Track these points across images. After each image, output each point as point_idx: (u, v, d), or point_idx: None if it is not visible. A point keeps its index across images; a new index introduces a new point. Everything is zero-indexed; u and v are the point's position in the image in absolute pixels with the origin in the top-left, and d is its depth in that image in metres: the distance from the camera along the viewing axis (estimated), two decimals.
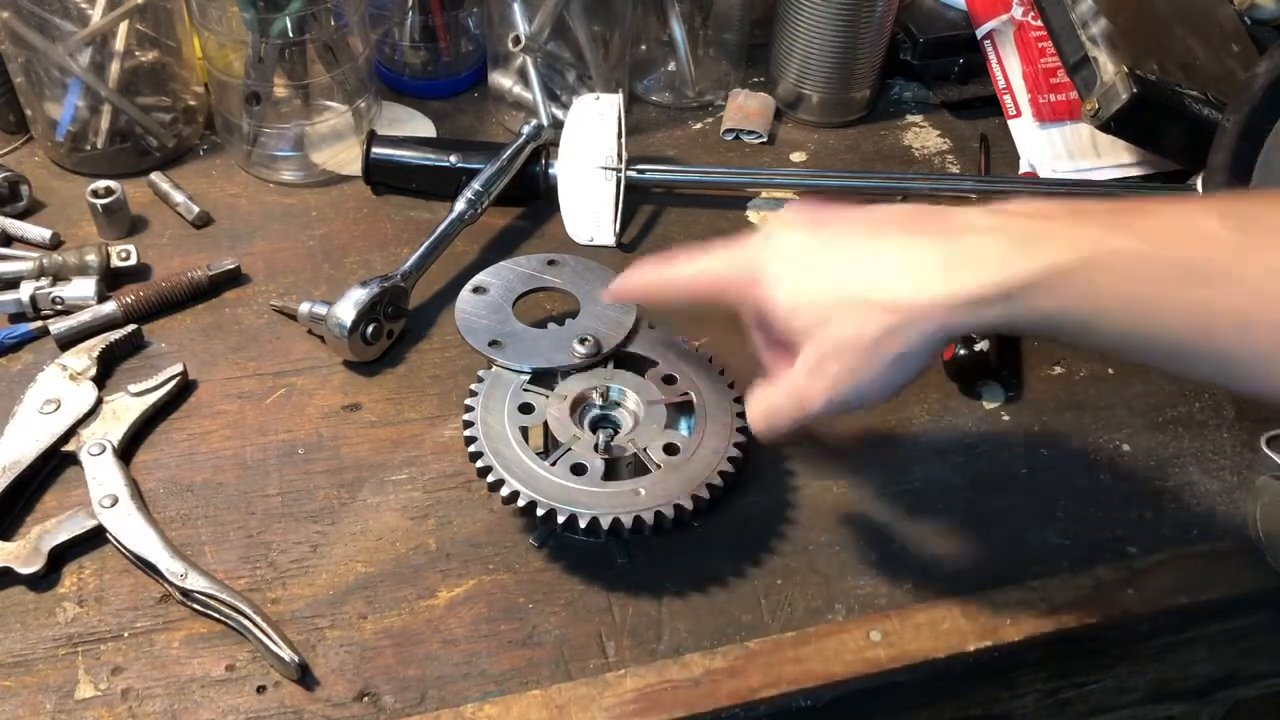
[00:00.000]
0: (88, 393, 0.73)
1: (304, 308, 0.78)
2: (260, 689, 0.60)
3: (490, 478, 0.64)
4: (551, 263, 0.78)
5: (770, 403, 0.58)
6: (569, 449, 0.66)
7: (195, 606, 0.63)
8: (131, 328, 0.78)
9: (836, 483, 0.72)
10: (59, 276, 0.81)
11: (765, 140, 1.00)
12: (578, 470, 0.65)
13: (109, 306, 0.78)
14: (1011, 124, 1.00)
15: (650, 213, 0.92)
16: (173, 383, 0.74)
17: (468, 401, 0.68)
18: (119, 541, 0.65)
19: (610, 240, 0.88)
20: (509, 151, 0.87)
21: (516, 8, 0.94)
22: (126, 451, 0.71)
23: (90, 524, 0.66)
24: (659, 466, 0.65)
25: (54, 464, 0.70)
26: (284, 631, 0.62)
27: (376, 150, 0.90)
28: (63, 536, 0.65)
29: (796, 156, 0.99)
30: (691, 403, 0.69)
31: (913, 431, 0.75)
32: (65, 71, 0.87)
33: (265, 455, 0.72)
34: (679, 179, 0.93)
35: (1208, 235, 0.50)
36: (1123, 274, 0.50)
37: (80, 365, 0.74)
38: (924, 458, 0.73)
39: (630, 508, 0.63)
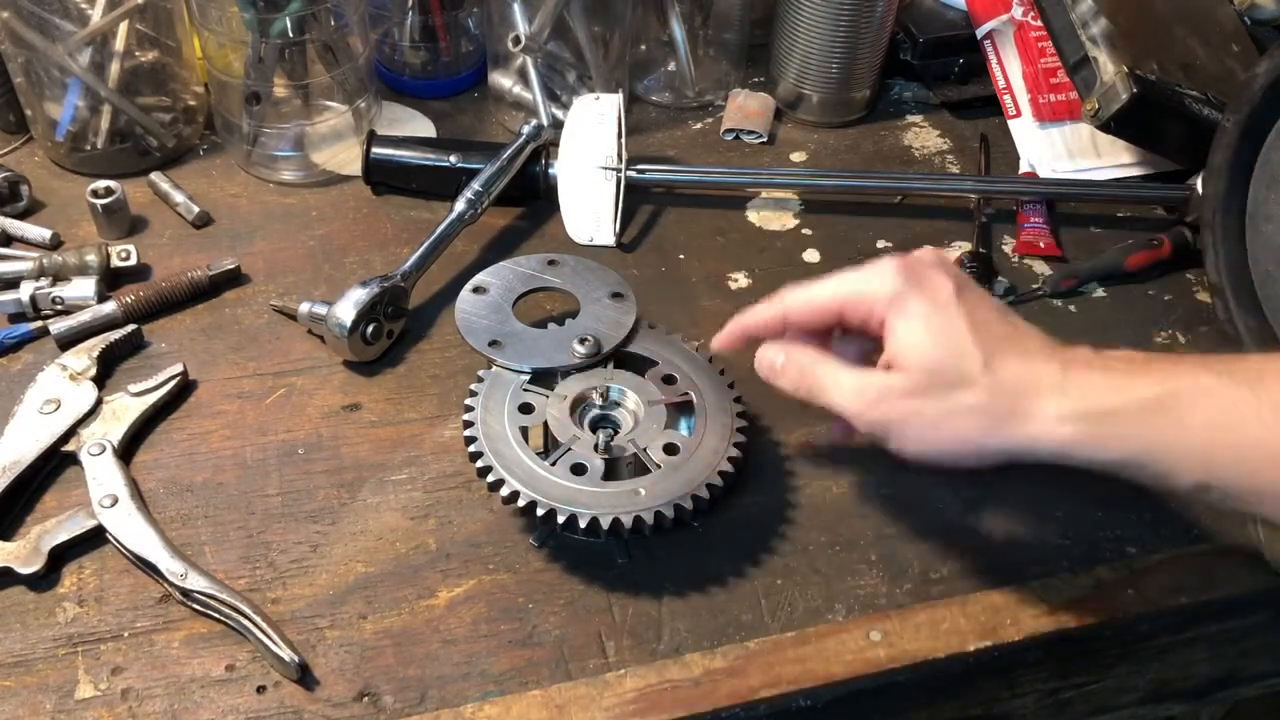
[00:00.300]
0: (88, 393, 0.73)
1: (304, 308, 0.78)
2: (260, 689, 0.60)
3: (490, 478, 0.64)
4: (551, 263, 0.78)
5: (865, 400, 0.58)
6: (569, 449, 0.66)
7: (195, 606, 0.63)
8: (131, 328, 0.78)
9: (836, 483, 0.72)
10: (59, 276, 0.81)
11: (765, 140, 1.00)
12: (578, 470, 0.65)
13: (109, 306, 0.78)
14: (1011, 124, 1.00)
15: (650, 213, 0.92)
16: (173, 383, 0.74)
17: (468, 401, 0.68)
18: (119, 541, 0.65)
19: (610, 240, 0.88)
20: (509, 151, 0.87)
21: (516, 8, 0.94)
22: (126, 451, 0.71)
23: (90, 524, 0.66)
24: (659, 466, 0.65)
25: (54, 464, 0.70)
26: (284, 631, 0.61)
27: (376, 150, 0.90)
28: (63, 536, 0.65)
29: (796, 156, 0.99)
30: (691, 403, 0.69)
31: None
32: (65, 71, 0.87)
33: (265, 455, 0.72)
34: (679, 179, 0.93)
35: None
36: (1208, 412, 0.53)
37: (80, 365, 0.74)
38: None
39: (630, 508, 0.63)
